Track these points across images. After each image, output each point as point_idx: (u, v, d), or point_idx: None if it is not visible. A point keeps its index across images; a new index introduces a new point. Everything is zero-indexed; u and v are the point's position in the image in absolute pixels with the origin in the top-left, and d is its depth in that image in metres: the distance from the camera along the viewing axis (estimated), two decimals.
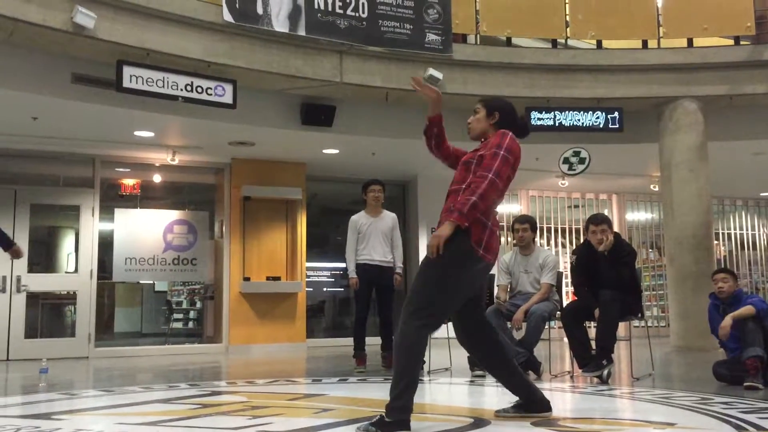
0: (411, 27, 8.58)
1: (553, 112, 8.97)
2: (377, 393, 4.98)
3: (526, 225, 6.19)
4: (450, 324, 6.43)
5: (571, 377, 5.84)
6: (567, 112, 9.01)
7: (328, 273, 11.76)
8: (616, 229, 6.11)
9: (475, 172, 3.35)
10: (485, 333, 3.58)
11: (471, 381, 5.74)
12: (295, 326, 10.40)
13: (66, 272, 9.80)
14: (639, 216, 13.66)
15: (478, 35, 9.19)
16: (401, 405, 3.13)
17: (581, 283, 5.75)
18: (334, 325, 12.13)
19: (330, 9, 8.21)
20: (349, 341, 7.02)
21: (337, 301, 12.10)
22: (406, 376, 3.17)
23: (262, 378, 6.01)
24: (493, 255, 3.36)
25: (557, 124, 9.00)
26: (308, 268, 10.94)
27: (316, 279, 11.62)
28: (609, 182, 12.29)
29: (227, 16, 7.61)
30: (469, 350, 3.74)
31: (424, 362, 6.39)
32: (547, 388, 5.27)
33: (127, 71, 7.08)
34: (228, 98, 7.68)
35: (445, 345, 6.67)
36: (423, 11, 8.66)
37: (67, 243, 10.24)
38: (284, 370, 7.33)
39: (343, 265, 10.91)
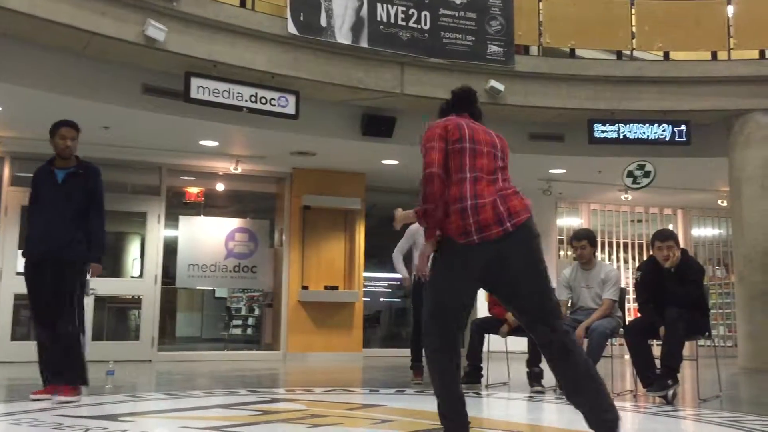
0: (473, 39, 8.57)
1: (617, 125, 8.81)
2: (435, 405, 4.96)
3: (583, 242, 6.07)
4: (509, 338, 6.40)
5: (634, 396, 5.69)
6: (632, 124, 8.83)
7: (385, 283, 11.79)
8: (681, 245, 5.94)
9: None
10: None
11: (530, 396, 5.66)
12: (351, 336, 10.44)
13: (132, 277, 10.08)
14: (705, 232, 13.25)
15: (540, 47, 9.11)
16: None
17: (646, 300, 5.60)
18: (391, 335, 12.14)
19: (392, 21, 8.27)
20: (406, 352, 7.01)
21: (393, 311, 12.11)
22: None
23: (319, 386, 6.06)
24: (492, 227, 2.93)
25: (621, 137, 8.83)
26: (366, 278, 10.98)
27: (373, 289, 11.66)
28: (674, 196, 11.98)
29: (292, 29, 7.74)
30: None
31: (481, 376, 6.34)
32: None
33: (195, 82, 7.27)
34: (291, 109, 7.80)
35: (503, 359, 6.60)
36: (485, 23, 8.64)
37: (133, 248, 10.55)
38: (341, 379, 7.36)
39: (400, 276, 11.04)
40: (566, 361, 2.96)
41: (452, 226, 2.97)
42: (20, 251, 5.15)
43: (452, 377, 3.06)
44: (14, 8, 6.15)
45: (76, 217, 4.96)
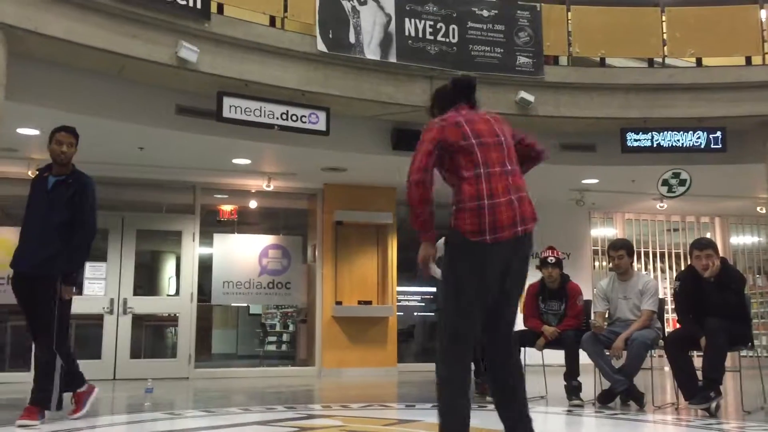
0: (502, 50, 8.56)
1: (650, 133, 8.70)
2: (472, 420, 4.91)
3: (621, 252, 6.00)
4: (545, 351, 6.33)
5: (676, 409, 5.58)
6: (665, 132, 8.71)
7: (418, 297, 11.75)
8: (720, 253, 5.84)
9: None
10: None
11: (568, 410, 5.59)
12: (386, 350, 10.41)
13: (168, 295, 10.20)
14: (744, 240, 12.99)
15: (570, 57, 9.06)
16: None
17: (686, 310, 5.51)
18: (425, 349, 12.08)
19: (420, 35, 8.29)
20: None
21: (427, 325, 12.06)
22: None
23: (355, 402, 6.05)
24: (502, 230, 2.92)
25: (655, 145, 8.71)
26: (399, 292, 10.96)
27: (406, 303, 11.62)
28: (711, 204, 11.77)
29: (321, 46, 7.81)
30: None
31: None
32: (651, 420, 5.07)
33: (227, 102, 7.36)
34: (321, 125, 7.85)
35: (540, 372, 6.52)
36: (514, 34, 8.63)
37: (168, 267, 10.68)
38: (377, 394, 7.35)
39: (433, 289, 11.00)
40: (509, 359, 3.11)
41: (466, 224, 2.97)
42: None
43: (467, 409, 2.98)
44: (51, 34, 6.31)
45: (60, 227, 4.67)
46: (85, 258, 4.94)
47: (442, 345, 3.03)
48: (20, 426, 4.34)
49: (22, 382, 4.63)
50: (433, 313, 11.60)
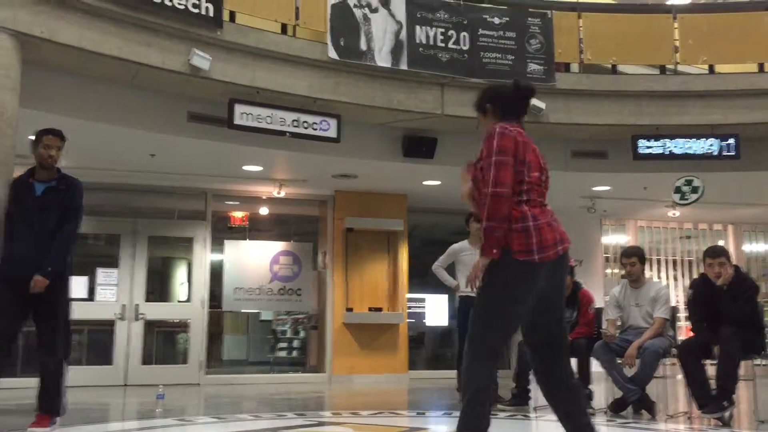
0: (513, 57, 8.55)
1: (662, 140, 8.65)
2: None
3: (633, 259, 5.97)
4: None
5: (689, 418, 5.54)
6: (678, 139, 8.66)
7: (429, 304, 11.70)
8: (733, 261, 5.81)
9: (481, 182, 3.12)
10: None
11: None
12: (397, 357, 10.40)
13: (179, 301, 10.23)
14: (758, 247, 12.89)
15: (581, 63, 9.04)
16: None
17: (699, 318, 5.47)
18: (436, 357, 12.05)
19: (432, 42, 8.30)
20: (451, 374, 6.94)
21: (438, 332, 12.03)
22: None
23: (366, 409, 6.03)
24: (547, 250, 3.00)
25: (667, 152, 8.66)
26: (409, 299, 10.95)
27: (417, 310, 11.60)
28: (724, 212, 11.69)
29: (332, 54, 7.83)
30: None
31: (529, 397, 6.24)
32: (663, 429, 5.03)
33: (239, 109, 7.39)
34: (332, 132, 7.86)
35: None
36: (525, 41, 8.62)
37: (180, 273, 10.71)
38: (388, 401, 7.33)
39: (444, 295, 10.99)
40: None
41: (514, 243, 2.99)
42: None
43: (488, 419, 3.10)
44: (64, 42, 6.36)
45: (53, 234, 4.57)
46: (64, 254, 4.65)
47: (479, 359, 3.05)
48: None
49: (32, 387, 4.62)
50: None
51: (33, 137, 4.81)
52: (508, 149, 3.05)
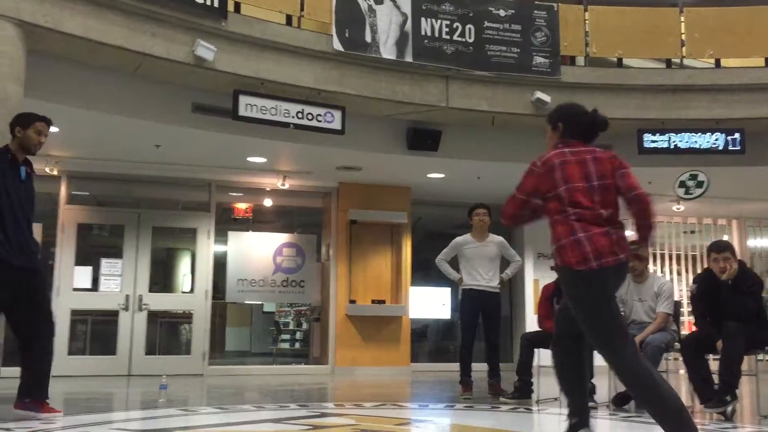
0: (518, 50, 8.52)
1: (667, 134, 8.63)
2: (485, 421, 4.91)
3: None
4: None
5: (692, 413, 5.51)
6: (683, 133, 8.64)
7: (432, 297, 11.71)
8: (737, 256, 5.79)
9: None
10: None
11: None
12: (399, 350, 10.41)
13: (183, 292, 10.26)
14: (762, 242, 12.86)
15: (587, 57, 9.01)
16: None
17: (703, 313, 5.46)
18: (438, 349, 12.07)
19: (437, 35, 8.28)
20: (453, 366, 6.95)
21: (441, 325, 12.04)
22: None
23: (368, 401, 6.05)
24: (605, 256, 3.20)
25: (672, 147, 8.65)
26: (413, 292, 10.95)
27: (420, 302, 11.59)
28: (728, 207, 11.66)
29: (337, 45, 7.82)
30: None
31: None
32: None
33: (243, 100, 7.38)
34: (337, 124, 7.85)
35: (553, 373, 6.48)
36: (530, 34, 8.59)
37: (183, 264, 10.74)
38: (390, 393, 7.34)
39: (447, 288, 10.99)
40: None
41: (596, 247, 3.24)
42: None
43: None
44: (69, 32, 6.36)
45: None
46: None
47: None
48: (41, 420, 4.36)
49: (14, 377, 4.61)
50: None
51: (16, 117, 4.74)
52: (547, 165, 3.37)
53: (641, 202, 3.33)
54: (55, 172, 9.05)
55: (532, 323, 9.71)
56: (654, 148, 8.63)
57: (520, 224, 3.54)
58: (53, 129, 7.63)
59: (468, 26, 8.41)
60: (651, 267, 6.55)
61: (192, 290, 10.00)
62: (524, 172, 3.44)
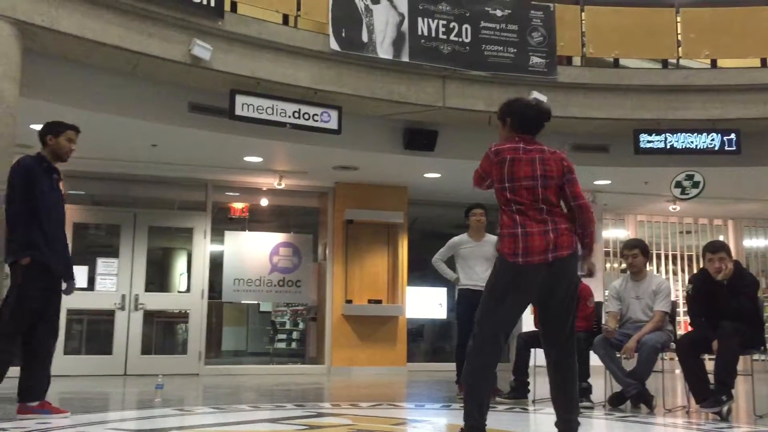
0: (515, 50, 8.53)
1: (663, 135, 8.65)
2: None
3: (635, 251, 5.96)
4: None
5: (687, 413, 5.55)
6: (679, 134, 8.65)
7: (429, 296, 11.71)
8: (733, 256, 5.80)
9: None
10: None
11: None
12: (395, 349, 10.41)
13: (179, 292, 10.24)
14: (758, 243, 12.90)
15: (583, 57, 9.02)
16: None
17: (698, 313, 5.47)
18: (435, 349, 12.07)
19: (433, 35, 8.28)
20: (450, 366, 6.94)
21: (437, 325, 12.04)
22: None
23: (365, 401, 6.05)
24: (533, 255, 3.40)
25: (668, 147, 8.66)
26: (409, 292, 10.94)
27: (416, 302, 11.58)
28: (724, 207, 11.69)
29: (334, 45, 7.81)
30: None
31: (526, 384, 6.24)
32: (661, 423, 5.04)
33: (240, 100, 7.37)
34: (333, 124, 7.85)
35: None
36: (527, 34, 8.60)
37: (180, 264, 10.73)
38: (386, 393, 7.34)
39: (443, 288, 10.99)
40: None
41: (524, 246, 3.47)
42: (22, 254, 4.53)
43: None
44: (65, 31, 6.34)
45: None
46: None
47: None
48: (37, 420, 4.36)
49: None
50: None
51: (47, 126, 4.83)
52: (487, 161, 3.59)
53: (585, 211, 3.54)
54: None
55: (528, 323, 9.71)
56: (650, 148, 8.64)
57: (486, 190, 3.72)
58: None
59: (465, 26, 8.41)
60: (647, 267, 6.53)
61: (188, 290, 9.99)
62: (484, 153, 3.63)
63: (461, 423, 3.49)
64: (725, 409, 5.10)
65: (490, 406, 3.60)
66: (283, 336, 12.84)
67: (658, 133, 8.65)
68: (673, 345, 5.74)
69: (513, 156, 3.53)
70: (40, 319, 4.56)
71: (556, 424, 3.52)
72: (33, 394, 4.51)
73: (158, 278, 10.68)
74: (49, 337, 4.63)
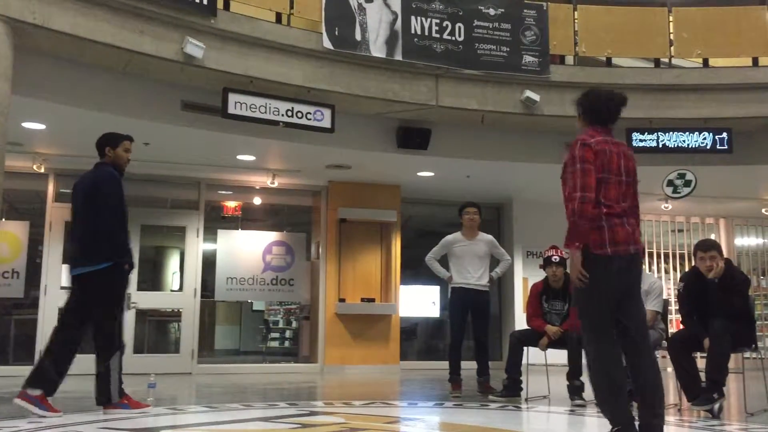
0: (508, 49, 8.54)
1: (656, 133, 8.68)
2: (475, 418, 4.92)
3: None
4: (548, 351, 6.32)
5: (679, 410, 5.58)
6: (671, 133, 8.69)
7: (422, 295, 11.72)
8: (724, 255, 5.83)
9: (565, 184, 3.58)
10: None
11: (570, 410, 5.58)
12: (388, 348, 10.42)
13: (171, 290, 10.22)
14: (749, 241, 12.95)
15: (576, 56, 9.04)
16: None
17: (689, 312, 5.50)
18: (428, 347, 12.08)
19: (427, 33, 8.28)
20: (442, 365, 6.95)
21: (430, 323, 12.05)
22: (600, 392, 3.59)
23: (358, 399, 6.05)
24: (621, 245, 3.46)
25: (660, 146, 8.69)
26: (402, 290, 10.94)
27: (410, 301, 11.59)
28: (716, 205, 11.74)
29: (327, 43, 7.80)
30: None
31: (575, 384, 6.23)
32: None
33: (232, 98, 7.36)
34: (326, 122, 7.84)
35: (542, 372, 6.52)
36: (520, 33, 8.61)
37: (172, 262, 10.69)
38: (380, 392, 7.35)
39: (436, 287, 11.01)
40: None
41: (618, 237, 3.52)
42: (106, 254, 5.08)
43: None
44: (57, 28, 6.31)
45: None
46: None
47: None
48: (28, 420, 4.45)
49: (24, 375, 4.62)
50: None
51: (105, 138, 5.15)
52: (588, 159, 3.48)
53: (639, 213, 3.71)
54: (42, 170, 9.00)
55: (521, 321, 9.73)
56: (642, 147, 8.66)
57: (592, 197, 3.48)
58: (40, 126, 7.68)
59: (458, 25, 8.42)
60: None
61: (181, 288, 9.97)
62: (570, 160, 3.52)
63: (454, 421, 3.50)
64: (717, 406, 5.13)
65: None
66: (276, 335, 12.82)
67: (650, 132, 8.68)
68: (664, 343, 5.76)
69: (607, 148, 3.53)
70: (90, 319, 5.05)
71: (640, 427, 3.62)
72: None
73: (151, 277, 10.64)
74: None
